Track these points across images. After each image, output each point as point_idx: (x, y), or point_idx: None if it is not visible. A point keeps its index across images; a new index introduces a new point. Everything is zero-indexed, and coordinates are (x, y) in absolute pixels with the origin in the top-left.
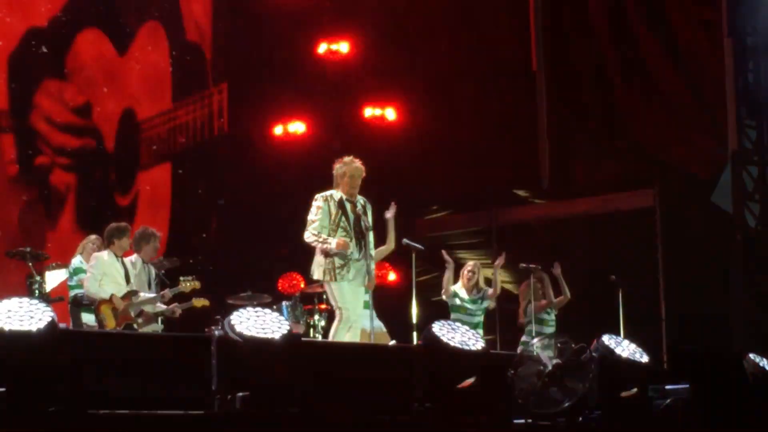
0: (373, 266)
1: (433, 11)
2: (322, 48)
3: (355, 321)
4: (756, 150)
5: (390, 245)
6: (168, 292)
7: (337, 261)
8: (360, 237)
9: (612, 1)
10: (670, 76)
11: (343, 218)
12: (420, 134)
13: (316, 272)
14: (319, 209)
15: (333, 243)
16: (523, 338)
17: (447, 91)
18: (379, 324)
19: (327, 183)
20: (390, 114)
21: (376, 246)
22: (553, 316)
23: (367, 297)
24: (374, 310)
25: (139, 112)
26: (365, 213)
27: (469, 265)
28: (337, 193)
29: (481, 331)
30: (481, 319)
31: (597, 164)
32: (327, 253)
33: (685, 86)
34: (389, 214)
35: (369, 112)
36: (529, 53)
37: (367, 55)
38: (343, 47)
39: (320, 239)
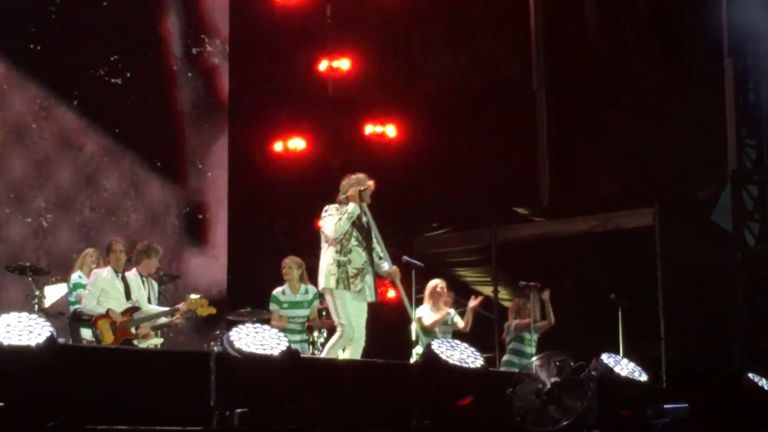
0: (373, 280)
1: (434, 30)
2: (323, 65)
3: (359, 338)
4: (756, 169)
5: None
6: (176, 309)
7: (351, 270)
8: (369, 250)
9: (611, 21)
10: (670, 95)
11: (356, 230)
12: (420, 152)
13: (326, 280)
14: (332, 217)
15: (351, 206)
16: (505, 357)
17: (447, 109)
18: None
19: (327, 199)
20: (390, 131)
21: None
22: (534, 337)
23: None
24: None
25: None
26: (372, 228)
27: (438, 282)
28: (351, 206)
29: None
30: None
31: (597, 183)
32: (340, 263)
33: (685, 105)
34: None
35: (369, 129)
36: (529, 72)
37: (367, 73)
38: (344, 64)
39: (342, 213)
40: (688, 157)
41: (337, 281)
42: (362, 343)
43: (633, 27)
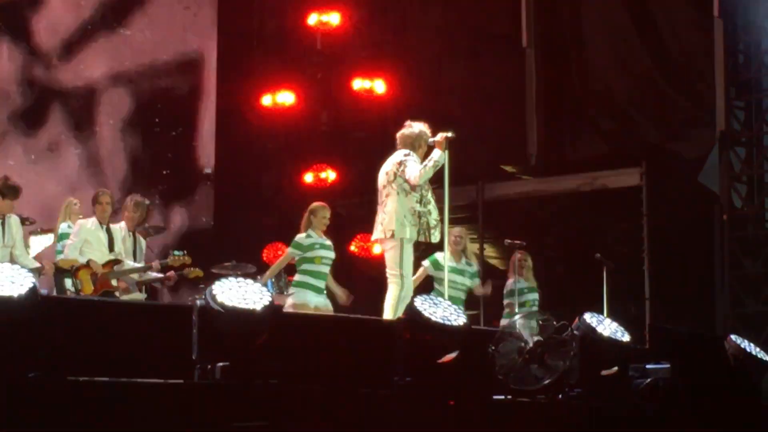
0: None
1: None
2: (312, 19)
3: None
4: (744, 131)
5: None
6: (157, 263)
7: (431, 221)
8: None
9: None
10: (659, 55)
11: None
12: (408, 108)
13: (400, 229)
14: (414, 164)
15: (438, 154)
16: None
17: (436, 66)
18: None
19: (314, 154)
20: (379, 87)
21: None
22: (536, 295)
23: None
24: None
25: None
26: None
27: (456, 230)
28: (438, 154)
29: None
30: (463, 296)
31: (585, 142)
32: (421, 213)
33: (674, 66)
34: None
35: (358, 84)
36: (518, 30)
37: (357, 28)
38: (333, 19)
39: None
40: (676, 117)
41: (418, 232)
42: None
43: None
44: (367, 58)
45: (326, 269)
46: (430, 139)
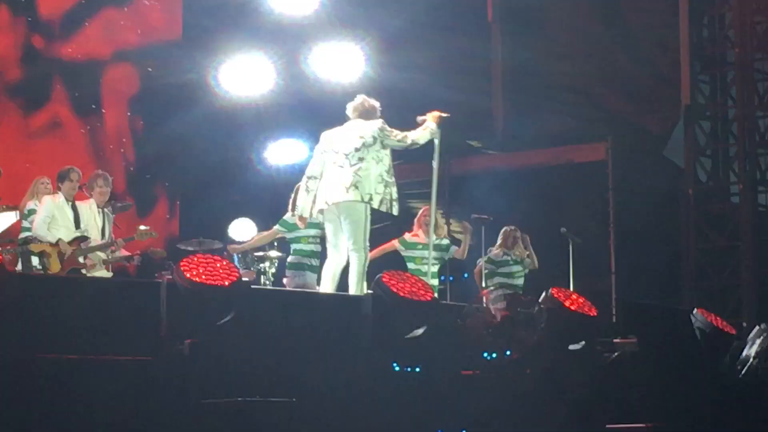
0: None
1: None
2: None
3: None
4: (709, 105)
5: None
6: (121, 241)
7: (394, 193)
8: None
9: None
10: (624, 31)
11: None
12: (374, 83)
13: (376, 199)
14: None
15: (432, 125)
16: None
17: (402, 39)
18: None
19: (280, 129)
20: (345, 61)
21: None
22: (520, 268)
23: None
24: None
25: None
26: None
27: (424, 209)
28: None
29: (436, 282)
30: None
31: (551, 117)
32: (387, 183)
33: (639, 41)
34: None
35: (323, 57)
36: (485, 5)
37: (325, 3)
38: None
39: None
40: (641, 92)
41: (381, 201)
42: None
43: None
44: (335, 33)
45: (317, 247)
46: (419, 117)
